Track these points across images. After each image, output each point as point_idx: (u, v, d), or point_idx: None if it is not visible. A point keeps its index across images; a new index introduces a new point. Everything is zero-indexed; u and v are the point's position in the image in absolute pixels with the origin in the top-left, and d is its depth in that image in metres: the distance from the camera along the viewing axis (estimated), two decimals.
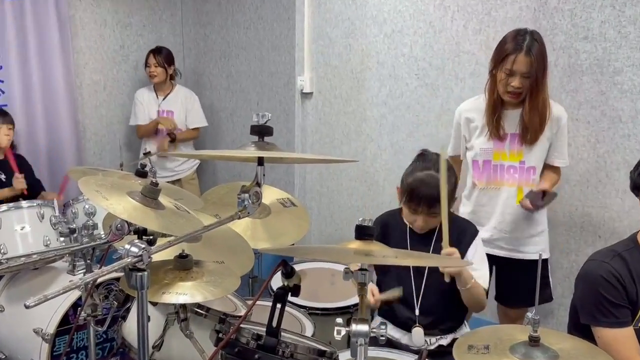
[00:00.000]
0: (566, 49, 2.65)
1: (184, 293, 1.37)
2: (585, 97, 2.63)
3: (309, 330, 2.23)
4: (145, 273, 1.02)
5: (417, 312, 2.00)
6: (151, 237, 1.39)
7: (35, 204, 2.70)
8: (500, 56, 2.29)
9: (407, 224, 2.08)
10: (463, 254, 1.99)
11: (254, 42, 4.19)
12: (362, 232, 1.29)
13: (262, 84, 4.19)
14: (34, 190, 3.41)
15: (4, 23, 3.65)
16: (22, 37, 3.74)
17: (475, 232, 2.08)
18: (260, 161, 1.25)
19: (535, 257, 2.44)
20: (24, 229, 2.64)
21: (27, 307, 0.82)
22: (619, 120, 2.55)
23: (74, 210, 2.90)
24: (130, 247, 1.02)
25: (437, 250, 1.99)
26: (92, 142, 4.32)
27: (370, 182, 3.48)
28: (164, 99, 4.06)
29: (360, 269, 1.26)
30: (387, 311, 2.10)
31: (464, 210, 2.52)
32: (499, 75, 2.30)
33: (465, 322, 2.17)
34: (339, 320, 1.17)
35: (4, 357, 2.60)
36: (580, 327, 1.84)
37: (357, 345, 1.13)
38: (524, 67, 2.23)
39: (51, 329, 2.38)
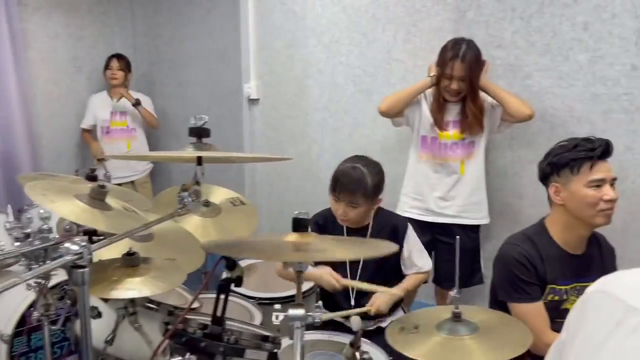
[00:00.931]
0: (483, 56, 2.73)
1: (132, 288, 1.35)
2: None
3: (257, 319, 2.22)
4: (86, 270, 1.00)
5: (352, 301, 2.03)
6: (101, 237, 1.37)
7: None
8: (441, 62, 2.45)
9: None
10: (399, 250, 2.03)
11: (202, 52, 4.14)
12: (298, 225, 1.30)
13: (211, 91, 4.14)
14: None
15: None
16: None
17: (405, 226, 2.11)
18: (199, 161, 1.24)
19: (476, 222, 2.60)
20: None
21: None
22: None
23: (28, 216, 2.78)
24: (71, 245, 1.00)
25: (374, 235, 2.04)
26: (48, 150, 4.16)
27: (315, 181, 3.50)
28: (117, 101, 3.99)
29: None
30: (327, 299, 2.12)
31: (407, 183, 2.60)
32: (442, 79, 2.43)
33: (402, 306, 2.21)
34: (277, 306, 1.18)
35: None
36: (498, 304, 1.90)
37: (294, 329, 1.14)
38: (460, 72, 2.38)
39: (9, 329, 2.29)
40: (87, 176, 1.93)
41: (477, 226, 2.63)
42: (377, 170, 2.03)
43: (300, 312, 1.14)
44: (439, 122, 2.50)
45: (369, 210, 2.02)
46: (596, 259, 1.90)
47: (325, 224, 2.13)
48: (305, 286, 2.52)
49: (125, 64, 4.01)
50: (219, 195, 2.91)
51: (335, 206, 2.03)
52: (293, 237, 1.28)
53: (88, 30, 4.30)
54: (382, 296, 1.93)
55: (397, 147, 2.92)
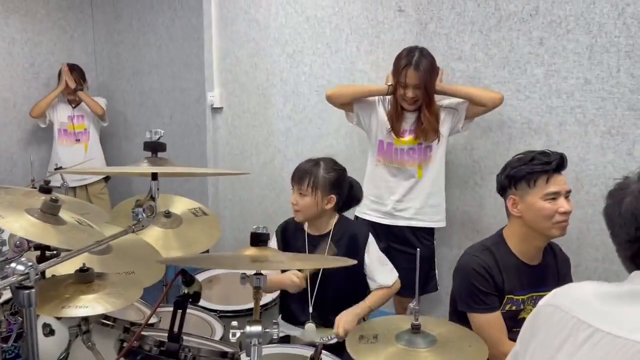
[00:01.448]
0: (444, 67, 2.77)
1: (84, 306, 1.30)
2: None
3: (218, 333, 2.19)
4: (33, 291, 0.97)
5: (310, 309, 2.02)
6: (54, 252, 1.32)
7: None
8: (395, 71, 2.47)
9: (305, 229, 2.11)
10: (360, 259, 2.03)
11: (165, 60, 4.08)
12: (256, 239, 1.29)
13: (174, 99, 4.09)
14: None
15: None
16: None
17: (366, 236, 2.11)
18: (154, 176, 1.22)
19: (432, 224, 2.62)
20: None
21: None
22: (490, 129, 2.72)
23: None
24: (17, 265, 0.96)
25: (329, 259, 2.02)
26: (3, 159, 4.03)
27: (279, 190, 3.49)
28: (75, 107, 3.92)
29: (256, 273, 1.26)
30: (286, 311, 2.11)
31: (366, 186, 2.61)
32: (398, 87, 2.45)
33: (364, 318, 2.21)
34: (234, 323, 1.16)
35: None
36: (458, 314, 1.92)
37: (251, 346, 1.13)
38: (414, 80, 2.39)
39: None
40: (41, 188, 1.87)
41: (432, 231, 2.64)
42: (333, 168, 2.07)
43: (257, 328, 1.13)
44: (396, 130, 2.52)
45: (317, 204, 2.01)
46: (552, 269, 1.94)
47: (287, 229, 2.16)
48: (267, 298, 2.50)
49: (78, 75, 3.93)
50: (180, 205, 2.87)
51: (292, 196, 2.08)
52: (251, 251, 1.27)
53: (46, 36, 4.19)
54: (346, 316, 1.93)
55: (360, 158, 2.93)
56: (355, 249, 2.03)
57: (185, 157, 4.08)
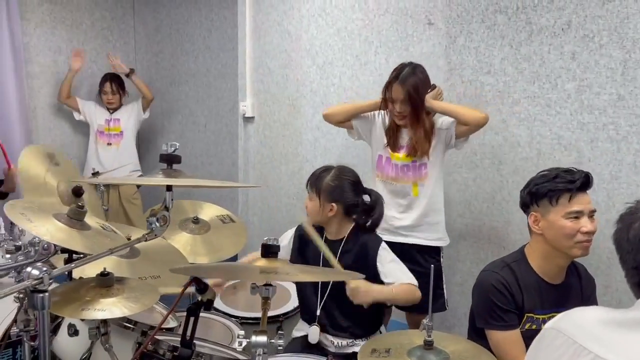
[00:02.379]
0: (473, 82, 2.77)
1: (102, 309, 1.36)
2: (490, 125, 2.71)
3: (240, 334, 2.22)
4: (46, 294, 1.02)
5: (317, 311, 2.03)
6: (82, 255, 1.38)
7: None
8: (385, 85, 2.46)
9: (325, 233, 2.12)
10: (373, 269, 2.00)
11: (201, 69, 4.19)
12: (267, 251, 1.31)
13: (209, 108, 4.19)
14: None
15: None
16: None
17: (377, 244, 2.06)
18: (169, 187, 1.26)
19: (432, 243, 2.54)
20: None
21: None
22: (518, 145, 2.68)
23: (20, 228, 2.81)
24: (32, 270, 1.01)
25: (346, 258, 2.03)
26: None
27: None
28: (112, 112, 4.07)
29: (265, 284, 1.29)
30: (301, 310, 2.17)
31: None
32: (388, 102, 2.45)
33: (383, 328, 2.21)
34: (241, 332, 1.19)
35: None
36: (477, 331, 1.90)
37: (257, 356, 1.15)
38: (399, 95, 2.37)
39: None
40: (73, 191, 1.94)
41: (437, 249, 2.57)
42: (340, 177, 2.05)
43: (262, 339, 1.15)
44: (392, 145, 2.50)
45: (320, 211, 2.02)
46: (575, 289, 1.90)
47: (303, 235, 2.15)
48: (289, 307, 2.53)
49: (119, 85, 4.07)
50: (208, 212, 2.93)
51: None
52: (262, 262, 1.30)
53: (90, 46, 4.37)
54: (364, 284, 1.86)
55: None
56: (365, 257, 2.02)
57: (218, 164, 4.17)
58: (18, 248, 2.46)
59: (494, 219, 2.81)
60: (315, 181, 2.06)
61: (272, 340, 1.17)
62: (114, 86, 4.02)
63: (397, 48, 3.01)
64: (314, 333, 1.99)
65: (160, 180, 1.36)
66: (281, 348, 1.20)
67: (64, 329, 1.72)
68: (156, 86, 4.52)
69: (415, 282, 2.02)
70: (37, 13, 4.03)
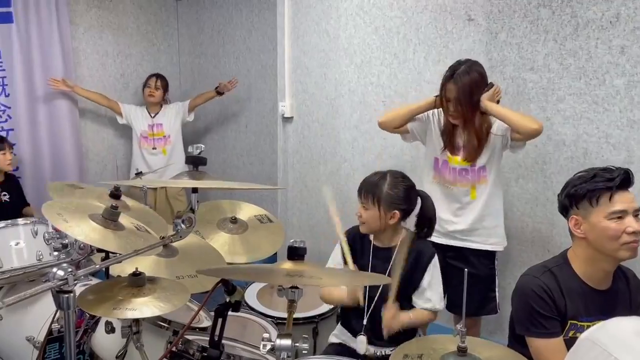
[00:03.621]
0: (515, 78, 2.67)
1: (133, 309, 1.38)
2: None
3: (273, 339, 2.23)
4: (71, 295, 1.04)
5: (364, 321, 2.00)
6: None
7: (29, 222, 2.72)
8: (441, 84, 2.37)
9: (371, 239, 2.08)
10: (419, 278, 1.98)
11: (242, 70, 4.24)
12: (293, 253, 1.30)
13: (249, 109, 4.23)
14: (18, 207, 3.44)
15: (11, 54, 3.71)
16: (28, 67, 3.80)
17: (432, 255, 2.03)
18: (195, 189, 1.27)
19: (487, 247, 2.48)
20: (19, 245, 2.65)
21: None
22: (563, 143, 2.57)
23: None
24: (57, 270, 1.03)
25: (366, 277, 1.97)
26: (94, 163, 4.36)
27: (344, 199, 3.49)
28: (154, 116, 4.14)
29: (292, 287, 1.28)
30: (344, 315, 2.11)
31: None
32: (443, 101, 2.37)
33: (419, 333, 2.16)
34: (266, 335, 1.18)
35: None
36: (518, 338, 1.83)
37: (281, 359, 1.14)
38: (452, 94, 2.29)
39: (41, 337, 2.39)
40: (111, 193, 2.00)
41: (492, 253, 2.50)
42: (399, 183, 1.99)
43: (287, 342, 1.14)
44: (448, 146, 2.42)
45: (380, 219, 1.97)
46: (623, 296, 1.80)
47: (353, 240, 2.10)
48: (325, 308, 2.52)
49: (163, 83, 4.14)
50: (247, 211, 2.95)
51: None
52: (288, 265, 1.28)
53: (135, 49, 4.49)
54: (394, 314, 1.89)
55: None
56: (415, 267, 1.98)
57: (259, 165, 4.21)
58: (65, 246, 2.56)
59: (537, 220, 2.70)
60: (372, 189, 1.98)
61: (297, 344, 1.16)
62: (158, 82, 4.09)
63: (436, 45, 2.94)
64: (361, 342, 1.96)
65: (185, 182, 1.37)
66: (306, 352, 1.18)
67: (101, 326, 1.77)
68: (198, 87, 4.60)
69: (439, 306, 2.03)
70: (85, 18, 4.17)
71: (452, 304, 2.53)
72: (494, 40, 2.72)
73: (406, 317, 1.93)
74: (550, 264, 1.82)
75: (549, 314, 1.73)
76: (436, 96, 2.41)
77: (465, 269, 1.54)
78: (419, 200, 2.07)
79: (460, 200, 2.45)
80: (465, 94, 2.26)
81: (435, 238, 2.52)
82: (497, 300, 2.50)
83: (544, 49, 2.56)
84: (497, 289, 2.50)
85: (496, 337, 2.78)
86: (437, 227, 2.46)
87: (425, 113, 2.50)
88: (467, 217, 2.44)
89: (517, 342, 1.82)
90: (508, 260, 2.77)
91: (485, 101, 2.32)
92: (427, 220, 2.09)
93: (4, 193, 3.34)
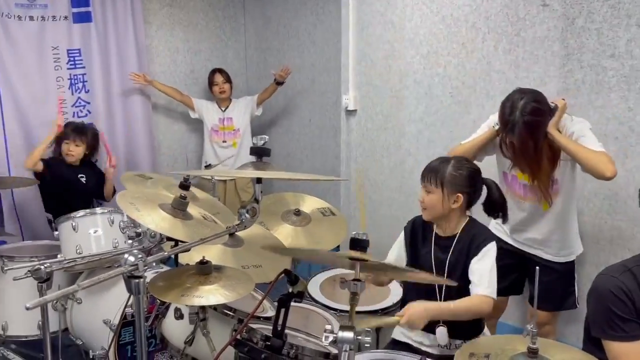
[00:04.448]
0: (593, 66, 2.51)
1: (200, 296, 1.42)
2: (613, 114, 2.48)
3: (335, 331, 2.23)
4: (142, 280, 1.08)
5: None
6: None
7: (106, 211, 2.86)
8: (500, 121, 2.22)
9: (434, 229, 2.03)
10: (468, 260, 1.90)
11: (306, 64, 4.25)
12: (356, 245, 1.29)
13: (313, 102, 4.24)
14: (95, 189, 3.62)
15: (90, 52, 3.90)
16: (106, 64, 3.98)
17: (485, 241, 1.91)
18: (259, 180, 1.28)
19: (559, 259, 2.38)
20: (97, 233, 2.79)
21: (27, 308, 0.90)
22: None
23: None
24: (128, 256, 1.07)
25: (455, 254, 1.92)
26: (166, 156, 4.53)
27: (408, 193, 3.44)
28: (225, 110, 4.23)
29: (354, 279, 1.26)
30: None
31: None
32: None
33: (484, 329, 2.08)
34: (328, 326, 1.18)
35: (81, 343, 2.76)
36: (593, 341, 1.73)
37: (343, 352, 1.13)
38: (511, 145, 2.18)
39: (117, 320, 2.51)
40: (181, 184, 2.06)
41: None
42: (463, 165, 1.93)
43: (349, 335, 1.13)
44: (515, 166, 2.30)
45: (443, 202, 1.91)
46: None
47: (416, 226, 2.08)
48: (388, 302, 2.49)
49: (227, 77, 4.24)
50: (310, 204, 2.98)
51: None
52: (350, 255, 1.27)
53: (204, 45, 4.61)
54: (416, 306, 1.75)
55: (493, 163, 2.77)
56: (470, 250, 1.90)
57: (322, 158, 4.22)
58: (138, 234, 2.67)
59: (617, 217, 2.54)
60: (434, 172, 1.93)
61: (359, 337, 1.15)
62: (223, 75, 4.20)
63: (507, 34, 2.82)
64: (442, 334, 1.88)
65: (248, 172, 1.38)
66: (368, 345, 1.16)
67: (171, 312, 1.83)
68: (264, 81, 4.66)
69: (492, 295, 1.84)
70: (158, 16, 4.33)
71: (532, 298, 2.45)
72: (570, 26, 2.57)
73: (434, 307, 1.80)
74: (630, 264, 1.70)
75: (627, 317, 1.62)
76: (496, 128, 2.29)
77: (537, 267, 1.47)
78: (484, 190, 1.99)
79: (531, 212, 2.35)
80: (525, 147, 2.13)
81: (507, 238, 2.44)
82: (577, 295, 2.41)
83: (626, 34, 2.39)
84: (576, 284, 2.40)
85: (568, 338, 2.65)
86: (513, 234, 2.36)
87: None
88: (539, 228, 2.35)
89: (592, 344, 1.72)
90: (584, 260, 2.62)
91: (553, 132, 2.15)
92: (498, 206, 2.01)
93: (81, 175, 3.53)
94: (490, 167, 2.43)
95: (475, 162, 2.40)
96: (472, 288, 1.85)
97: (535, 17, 2.70)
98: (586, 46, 2.53)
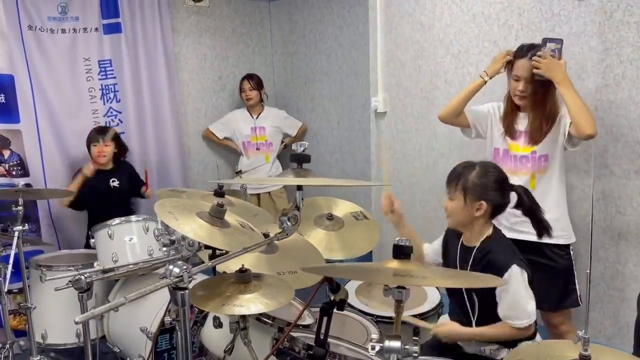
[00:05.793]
0: (634, 61, 2.43)
1: (241, 305, 1.40)
2: None
3: (376, 338, 2.20)
4: (187, 292, 1.06)
5: (473, 325, 1.90)
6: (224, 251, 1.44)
7: (141, 219, 2.89)
8: (510, 64, 2.38)
9: (461, 236, 2.00)
10: (492, 290, 1.82)
11: (334, 67, 4.23)
12: (398, 252, 1.25)
13: (342, 105, 4.21)
14: (128, 193, 3.67)
15: (121, 62, 3.95)
16: (136, 73, 4.03)
17: (506, 265, 1.79)
18: (299, 187, 1.26)
19: (558, 241, 2.33)
20: (132, 240, 2.82)
21: (76, 322, 0.89)
22: None
23: None
24: (173, 268, 1.06)
25: (475, 264, 1.89)
26: (196, 162, 4.56)
27: (441, 195, 3.33)
28: (256, 118, 4.23)
29: (398, 287, 1.23)
30: (452, 314, 2.05)
31: None
32: (510, 81, 2.36)
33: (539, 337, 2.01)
34: (374, 335, 1.15)
35: (118, 350, 2.79)
36: None
37: None
38: (525, 72, 2.26)
39: (154, 328, 2.52)
40: (215, 192, 2.06)
41: (566, 245, 2.38)
42: (488, 172, 1.89)
43: (396, 344, 1.09)
44: (509, 130, 2.38)
45: (465, 211, 1.87)
46: None
47: (450, 233, 2.09)
48: (427, 306, 2.45)
49: (257, 83, 4.26)
50: (342, 208, 2.94)
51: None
52: (394, 264, 1.24)
53: (232, 51, 4.63)
54: (449, 329, 1.86)
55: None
56: (485, 269, 1.83)
57: (351, 161, 4.18)
58: (172, 242, 2.69)
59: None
60: (457, 178, 1.90)
61: (407, 346, 1.11)
62: (252, 83, 4.21)
63: (542, 30, 2.74)
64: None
65: (290, 180, 1.37)
66: (416, 355, 1.13)
67: (210, 321, 1.82)
68: (291, 86, 4.66)
69: (530, 319, 1.78)
70: (186, 24, 4.37)
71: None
72: (608, 20, 2.49)
73: (466, 332, 1.84)
74: None
75: None
76: (489, 78, 2.47)
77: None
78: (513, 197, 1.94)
79: None
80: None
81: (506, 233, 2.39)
82: (578, 293, 2.37)
83: None
84: (576, 281, 2.37)
85: (616, 342, 2.56)
86: (503, 221, 2.32)
87: (486, 107, 2.54)
88: None
89: None
90: (628, 259, 2.52)
91: (563, 80, 2.23)
92: (530, 213, 1.95)
93: (113, 179, 3.56)
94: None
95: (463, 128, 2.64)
96: (504, 319, 1.82)
97: (570, 13, 2.62)
98: (625, 40, 2.44)
